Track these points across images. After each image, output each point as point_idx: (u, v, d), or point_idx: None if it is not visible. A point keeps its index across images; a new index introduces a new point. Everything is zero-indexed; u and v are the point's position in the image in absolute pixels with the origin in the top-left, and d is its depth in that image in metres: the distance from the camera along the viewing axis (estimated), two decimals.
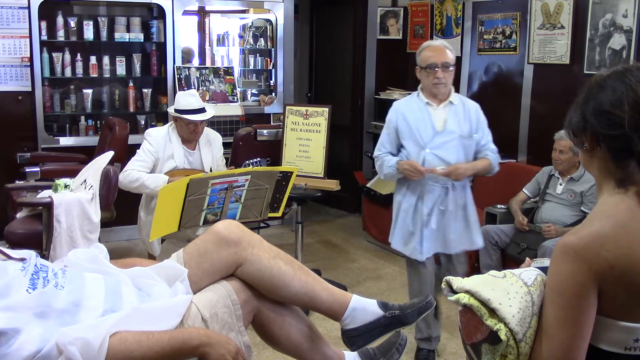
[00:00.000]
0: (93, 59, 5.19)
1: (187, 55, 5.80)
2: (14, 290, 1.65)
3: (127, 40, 5.26)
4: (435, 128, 3.07)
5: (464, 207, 3.19)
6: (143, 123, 5.41)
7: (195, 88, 5.21)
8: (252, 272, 2.06)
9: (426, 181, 3.10)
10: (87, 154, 4.60)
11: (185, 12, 5.37)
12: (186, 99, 3.83)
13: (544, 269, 1.37)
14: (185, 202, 2.86)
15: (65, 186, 3.62)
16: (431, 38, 5.59)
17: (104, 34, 5.18)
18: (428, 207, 3.12)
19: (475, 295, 1.34)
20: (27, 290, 1.67)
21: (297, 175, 3.33)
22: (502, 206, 4.20)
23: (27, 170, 4.58)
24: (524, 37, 4.71)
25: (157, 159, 3.80)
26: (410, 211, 3.18)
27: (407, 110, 3.12)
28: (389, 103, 5.77)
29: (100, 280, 1.92)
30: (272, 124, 5.56)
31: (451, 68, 3.08)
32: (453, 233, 3.17)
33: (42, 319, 1.65)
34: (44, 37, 4.94)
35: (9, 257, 1.80)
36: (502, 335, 1.29)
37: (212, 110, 3.94)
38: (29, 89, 4.86)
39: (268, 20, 5.99)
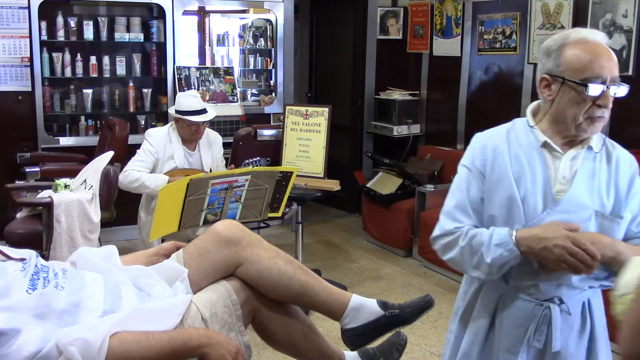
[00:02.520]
0: (93, 59, 5.20)
1: None
2: (14, 290, 1.65)
3: (127, 40, 5.26)
4: (552, 193, 1.68)
5: (588, 346, 1.76)
6: (143, 123, 5.41)
7: (195, 88, 5.21)
8: (251, 272, 2.06)
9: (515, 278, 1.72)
10: (87, 154, 4.60)
11: (185, 12, 5.37)
12: (187, 100, 3.83)
13: None
14: (185, 202, 2.86)
15: (65, 186, 3.62)
16: (431, 38, 5.59)
17: (104, 34, 5.18)
18: (510, 340, 1.74)
19: None
20: (26, 290, 1.67)
21: (297, 175, 3.32)
22: None
23: (27, 170, 4.59)
24: (524, 37, 4.71)
25: (157, 159, 3.80)
26: (475, 351, 1.81)
27: (507, 152, 1.72)
28: (389, 103, 5.84)
29: (100, 281, 1.92)
30: (272, 124, 5.56)
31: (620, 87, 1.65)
32: None
33: (42, 320, 1.65)
34: (44, 37, 4.94)
35: (9, 257, 1.80)
36: None
37: (214, 111, 3.94)
38: (29, 89, 4.86)
39: (268, 20, 5.98)
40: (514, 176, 1.69)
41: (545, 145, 1.71)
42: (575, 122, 1.64)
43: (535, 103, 1.79)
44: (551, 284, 1.68)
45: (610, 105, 1.65)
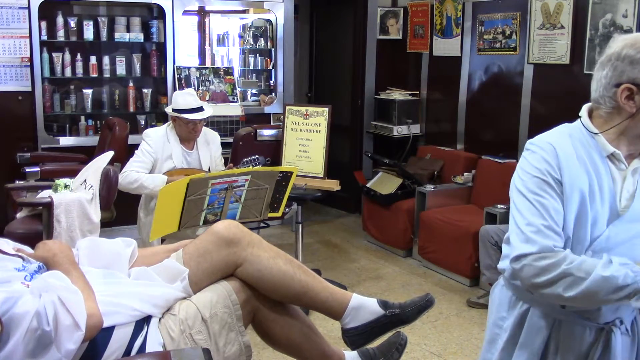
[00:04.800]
0: (93, 59, 5.20)
1: None
2: (13, 281, 1.75)
3: (127, 40, 5.26)
4: (618, 211, 1.58)
5: None
6: (143, 123, 5.41)
7: (195, 88, 5.21)
8: (251, 272, 2.06)
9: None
10: (87, 154, 4.60)
11: (185, 12, 5.37)
12: (184, 98, 3.83)
13: None
14: (185, 202, 2.86)
15: (65, 186, 3.61)
16: (431, 38, 5.59)
17: (104, 34, 5.18)
18: None
19: None
20: (22, 282, 1.76)
21: (297, 175, 3.32)
22: (502, 206, 4.20)
23: (27, 170, 4.58)
24: (524, 37, 4.71)
25: (155, 159, 3.80)
26: None
27: (577, 161, 1.58)
28: (389, 103, 5.84)
29: (100, 283, 1.94)
30: (272, 124, 5.56)
31: None
32: None
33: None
34: (44, 37, 4.94)
35: (8, 255, 1.84)
36: None
37: (211, 109, 3.94)
38: (29, 89, 4.86)
39: (268, 20, 5.99)
40: (586, 190, 1.54)
41: (611, 156, 1.57)
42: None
43: (589, 106, 1.63)
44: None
45: None
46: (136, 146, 3.90)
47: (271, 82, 6.19)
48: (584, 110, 1.63)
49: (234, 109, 5.40)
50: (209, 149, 4.00)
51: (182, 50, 5.40)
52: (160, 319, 1.98)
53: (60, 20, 5.02)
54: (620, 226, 1.55)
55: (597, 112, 1.59)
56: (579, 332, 1.58)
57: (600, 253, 1.51)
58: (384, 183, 5.24)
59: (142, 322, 1.93)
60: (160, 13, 5.24)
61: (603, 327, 1.57)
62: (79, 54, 5.15)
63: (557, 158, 1.55)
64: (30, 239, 3.48)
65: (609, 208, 1.55)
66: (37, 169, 4.48)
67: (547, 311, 1.60)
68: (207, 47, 5.79)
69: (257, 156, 3.87)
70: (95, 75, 5.23)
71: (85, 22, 5.10)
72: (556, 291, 1.47)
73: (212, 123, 5.11)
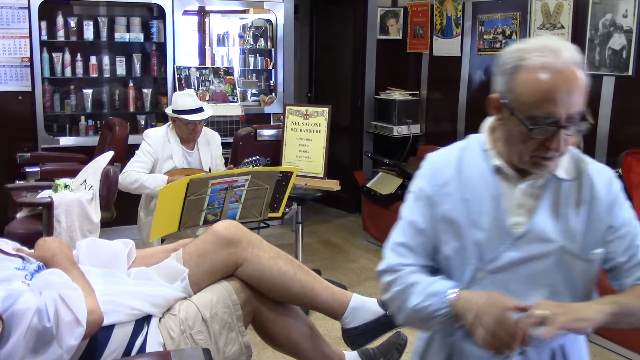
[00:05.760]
0: (93, 59, 5.20)
1: None
2: (14, 280, 1.77)
3: (127, 40, 5.26)
4: (508, 226, 1.44)
5: None
6: (143, 123, 5.41)
7: (195, 88, 5.21)
8: (252, 273, 2.07)
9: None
10: (87, 154, 4.60)
11: (185, 12, 5.37)
12: (184, 99, 3.83)
13: None
14: (185, 202, 2.86)
15: (65, 186, 3.62)
16: (431, 38, 5.59)
17: (104, 34, 5.18)
18: None
19: None
20: (22, 281, 1.77)
21: (297, 175, 3.33)
22: None
23: (27, 170, 4.58)
24: (524, 37, 4.71)
25: (156, 159, 3.81)
26: None
27: (457, 180, 1.49)
28: (389, 103, 5.84)
29: (100, 282, 1.94)
30: (272, 124, 5.56)
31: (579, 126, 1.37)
32: None
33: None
34: (44, 37, 4.94)
35: (8, 254, 1.85)
36: None
37: (210, 110, 3.94)
38: (29, 89, 4.86)
39: (268, 21, 5.99)
40: (466, 209, 1.44)
41: (499, 172, 1.45)
42: (521, 159, 1.38)
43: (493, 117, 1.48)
44: None
45: (565, 147, 1.36)
46: (136, 146, 3.91)
47: (271, 82, 6.19)
48: (487, 121, 1.52)
49: (234, 109, 5.40)
50: (210, 149, 4.00)
51: (182, 50, 5.40)
52: (160, 318, 1.98)
53: (60, 20, 5.02)
54: (512, 252, 1.41)
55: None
56: (475, 355, 1.44)
57: (496, 274, 1.42)
58: (384, 183, 5.24)
59: (142, 322, 1.93)
60: (160, 13, 5.24)
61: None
62: (79, 54, 5.15)
63: (434, 176, 1.49)
64: (31, 239, 3.48)
65: (495, 223, 1.42)
66: (37, 169, 4.48)
67: (448, 330, 1.48)
68: (207, 47, 5.79)
69: (257, 157, 3.87)
70: (95, 75, 5.23)
71: (85, 22, 5.10)
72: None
73: (212, 123, 5.11)
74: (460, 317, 1.37)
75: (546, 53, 1.32)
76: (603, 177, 1.48)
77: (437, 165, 1.51)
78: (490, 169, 1.46)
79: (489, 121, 1.50)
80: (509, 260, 1.42)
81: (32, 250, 1.99)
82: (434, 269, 1.50)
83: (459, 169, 1.48)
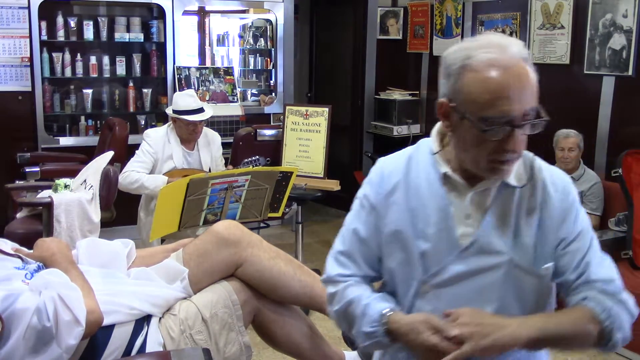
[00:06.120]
0: (93, 59, 5.19)
1: None
2: (14, 280, 1.77)
3: (127, 40, 5.26)
4: (455, 238, 1.36)
5: None
6: (143, 123, 5.41)
7: (195, 88, 5.21)
8: (251, 273, 2.07)
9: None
10: (87, 154, 4.60)
11: (185, 12, 5.37)
12: (184, 99, 3.83)
13: None
14: (185, 202, 2.86)
15: (65, 186, 3.62)
16: (431, 38, 5.59)
17: (104, 34, 5.18)
18: None
19: None
20: (22, 281, 1.78)
21: (297, 175, 3.33)
22: None
23: (27, 170, 4.58)
24: (524, 37, 4.71)
25: (156, 159, 3.81)
26: None
27: (403, 188, 1.41)
28: (389, 103, 5.84)
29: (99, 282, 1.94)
30: (272, 124, 5.56)
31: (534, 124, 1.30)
32: None
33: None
34: (44, 37, 4.93)
35: (7, 255, 1.85)
36: None
37: (211, 110, 3.94)
38: (29, 89, 4.85)
39: (268, 20, 5.99)
40: (411, 219, 1.36)
41: (446, 180, 1.36)
42: (477, 165, 1.29)
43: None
44: None
45: (521, 147, 1.29)
46: (136, 146, 3.90)
47: (271, 82, 6.19)
48: (436, 126, 1.42)
49: (234, 109, 5.40)
50: (210, 150, 3.99)
51: (182, 50, 5.40)
52: (160, 318, 1.98)
53: (60, 20, 5.02)
54: (458, 265, 1.33)
55: None
56: None
57: (441, 288, 1.34)
58: None
59: (142, 322, 1.93)
60: (160, 13, 5.23)
61: None
62: (79, 54, 5.15)
63: (381, 183, 1.41)
64: (30, 239, 3.47)
65: (440, 234, 1.34)
66: (37, 169, 4.47)
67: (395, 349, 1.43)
68: (207, 47, 5.79)
69: (257, 157, 3.87)
70: (95, 75, 5.23)
71: (85, 22, 5.10)
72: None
73: (212, 123, 5.11)
74: (397, 339, 1.33)
75: (492, 49, 1.25)
76: (558, 184, 1.37)
77: (385, 171, 1.43)
78: (438, 176, 1.37)
79: (437, 126, 1.41)
80: (454, 274, 1.33)
81: (32, 251, 2.00)
82: (378, 278, 1.46)
83: (407, 176, 1.40)
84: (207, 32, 5.81)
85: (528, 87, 1.24)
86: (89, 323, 1.72)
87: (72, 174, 3.92)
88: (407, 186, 1.39)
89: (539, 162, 1.41)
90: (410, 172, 1.40)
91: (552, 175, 1.38)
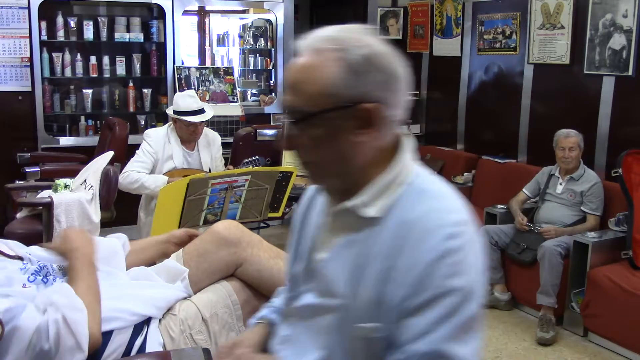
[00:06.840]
0: (93, 59, 5.19)
1: None
2: (15, 282, 1.75)
3: (127, 40, 5.26)
4: (314, 260, 1.17)
5: None
6: (143, 123, 5.41)
7: (195, 88, 5.21)
8: (251, 273, 2.06)
9: None
10: (87, 154, 4.60)
11: (185, 12, 5.37)
12: (185, 100, 3.82)
13: None
14: (185, 202, 2.86)
15: (65, 186, 3.62)
16: (431, 38, 5.60)
17: (104, 34, 5.18)
18: None
19: None
20: (23, 284, 1.75)
21: (297, 175, 3.33)
22: (502, 206, 4.20)
23: (27, 170, 4.59)
24: (524, 37, 4.71)
25: (156, 159, 3.80)
26: None
27: (305, 201, 1.33)
28: None
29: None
30: (272, 124, 5.56)
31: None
32: None
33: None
34: (44, 37, 4.93)
35: (8, 256, 1.84)
36: None
37: (211, 111, 3.94)
38: (29, 89, 4.85)
39: (268, 20, 5.99)
40: (297, 237, 1.25)
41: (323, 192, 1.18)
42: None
43: None
44: None
45: (295, 146, 1.08)
46: (136, 146, 3.90)
47: (271, 82, 6.19)
48: None
49: (234, 109, 5.40)
50: (210, 150, 3.99)
51: (182, 50, 5.41)
52: (160, 319, 1.98)
53: (60, 20, 5.02)
54: (312, 289, 1.14)
55: None
56: None
57: (290, 317, 1.22)
58: None
59: (142, 323, 1.93)
60: (160, 13, 5.23)
61: None
62: (79, 54, 5.15)
63: (301, 202, 1.29)
64: (30, 239, 3.49)
65: (308, 260, 1.17)
66: (37, 169, 4.48)
67: None
68: (207, 47, 5.79)
69: (257, 157, 3.87)
70: (95, 75, 5.23)
71: (85, 22, 5.10)
72: None
73: (212, 123, 5.11)
74: None
75: (301, 44, 1.12)
76: (430, 221, 1.01)
77: (309, 190, 1.29)
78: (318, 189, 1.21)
79: None
80: (303, 304, 1.14)
81: (35, 247, 1.98)
82: None
83: (310, 190, 1.27)
84: (207, 32, 5.81)
85: (295, 84, 1.06)
86: (89, 348, 1.69)
87: (72, 174, 3.92)
88: (304, 202, 1.29)
89: (427, 194, 1.08)
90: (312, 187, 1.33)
91: (427, 218, 1.02)
